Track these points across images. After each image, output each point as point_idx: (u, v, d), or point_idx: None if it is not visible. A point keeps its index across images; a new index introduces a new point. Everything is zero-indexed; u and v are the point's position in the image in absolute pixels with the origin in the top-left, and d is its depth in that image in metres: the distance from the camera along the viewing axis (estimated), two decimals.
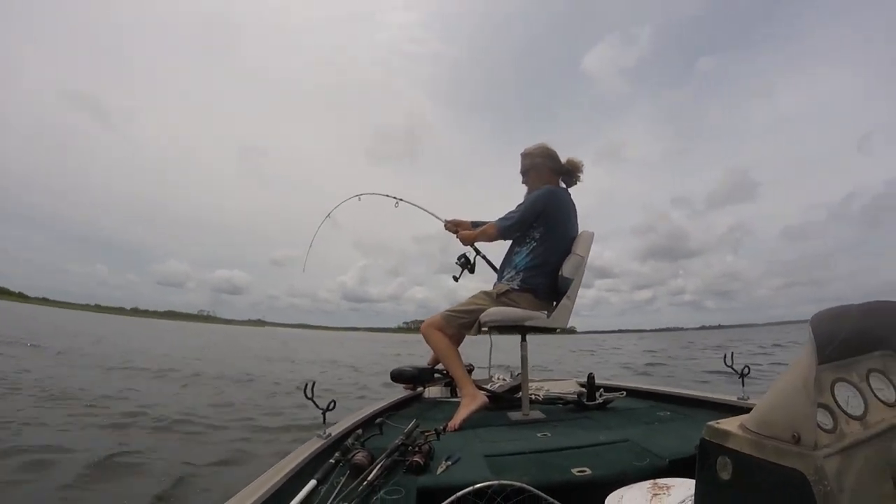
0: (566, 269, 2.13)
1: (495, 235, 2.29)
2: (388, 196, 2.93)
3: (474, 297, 2.21)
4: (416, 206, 2.84)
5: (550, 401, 2.38)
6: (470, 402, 1.96)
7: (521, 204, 2.26)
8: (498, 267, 2.41)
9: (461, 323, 2.13)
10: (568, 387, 2.66)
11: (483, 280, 2.56)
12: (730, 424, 0.55)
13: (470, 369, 2.44)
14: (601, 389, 2.28)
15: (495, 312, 2.06)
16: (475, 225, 2.48)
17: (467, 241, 2.45)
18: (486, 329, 2.16)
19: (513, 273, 2.18)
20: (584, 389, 2.32)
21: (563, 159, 2.33)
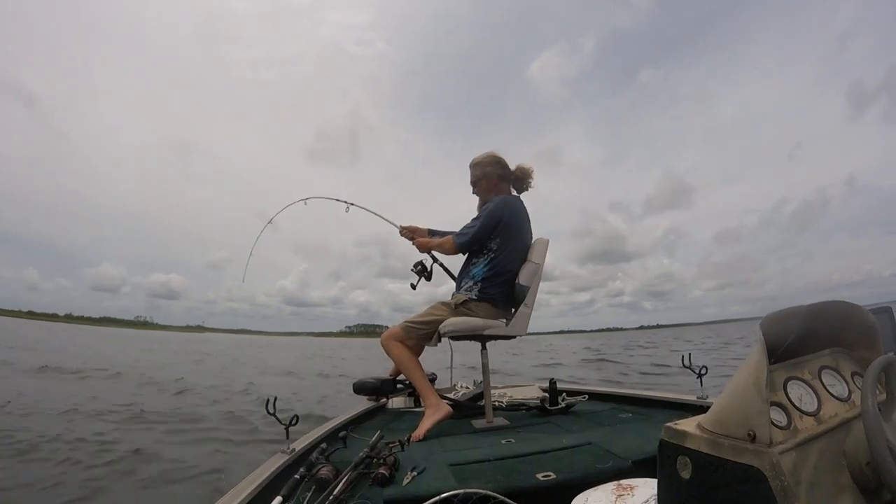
0: (523, 277, 2.16)
1: (452, 251, 2.28)
2: (338, 200, 2.79)
3: (433, 307, 2.19)
4: (368, 210, 2.73)
5: (513, 407, 2.39)
6: (434, 413, 1.95)
7: (476, 217, 2.23)
8: (455, 275, 2.40)
9: (421, 334, 2.12)
10: (530, 392, 2.69)
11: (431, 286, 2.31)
12: (687, 425, 0.56)
13: (432, 379, 2.41)
14: (563, 394, 2.32)
15: (455, 322, 2.06)
16: (432, 233, 2.46)
17: (424, 249, 2.41)
18: (446, 339, 2.14)
19: (471, 284, 2.18)
20: (546, 394, 2.34)
21: (512, 166, 2.33)
